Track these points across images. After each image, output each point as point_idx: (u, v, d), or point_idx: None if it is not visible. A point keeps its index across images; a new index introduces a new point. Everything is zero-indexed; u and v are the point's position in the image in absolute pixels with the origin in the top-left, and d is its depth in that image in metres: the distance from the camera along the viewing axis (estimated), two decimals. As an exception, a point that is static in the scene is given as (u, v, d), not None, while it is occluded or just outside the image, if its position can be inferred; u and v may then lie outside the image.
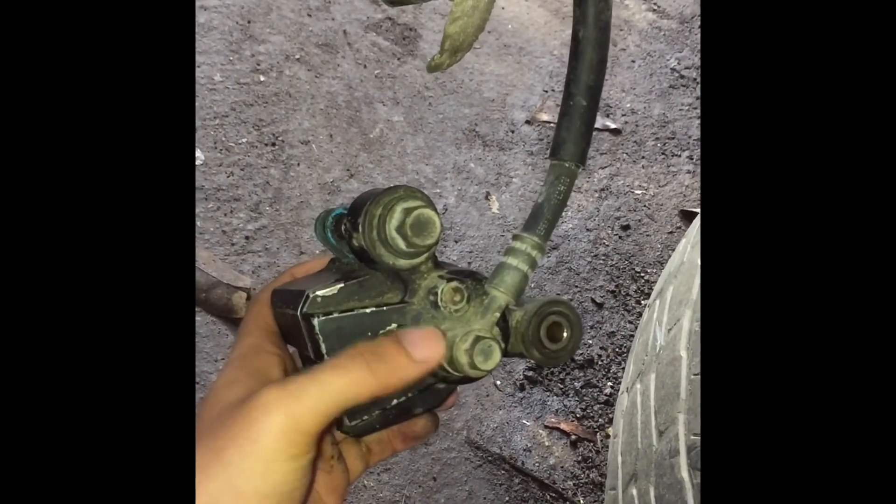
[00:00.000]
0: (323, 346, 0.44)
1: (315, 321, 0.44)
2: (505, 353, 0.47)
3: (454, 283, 0.46)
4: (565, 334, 0.48)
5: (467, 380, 0.46)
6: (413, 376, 0.42)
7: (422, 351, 0.42)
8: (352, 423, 0.45)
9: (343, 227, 0.47)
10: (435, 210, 0.45)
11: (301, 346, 0.46)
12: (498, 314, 0.46)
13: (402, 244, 0.44)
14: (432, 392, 0.47)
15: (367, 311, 0.45)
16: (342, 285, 0.45)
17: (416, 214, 0.44)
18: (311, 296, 0.44)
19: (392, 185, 0.45)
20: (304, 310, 0.44)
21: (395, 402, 0.46)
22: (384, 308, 0.45)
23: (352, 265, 0.48)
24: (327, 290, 0.44)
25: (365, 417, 0.45)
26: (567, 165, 0.47)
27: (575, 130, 0.47)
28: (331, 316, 0.44)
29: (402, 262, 0.45)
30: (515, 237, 0.47)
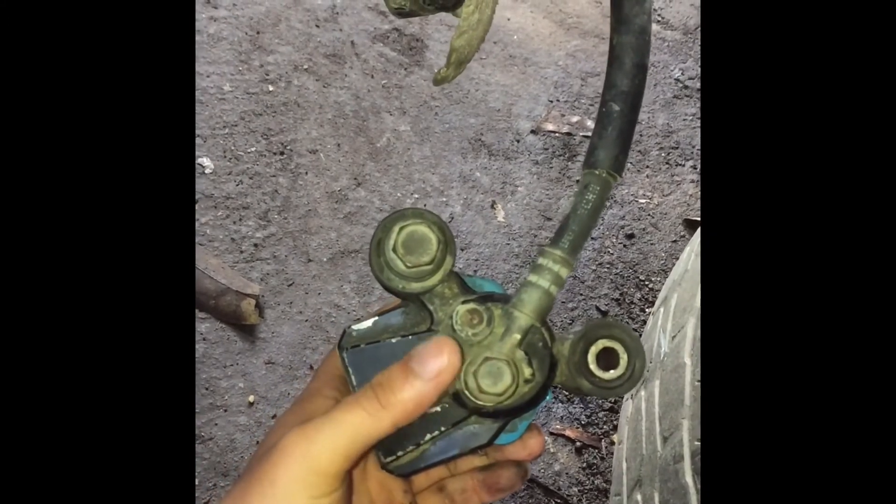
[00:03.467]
0: (353, 379, 0.43)
1: (344, 354, 0.43)
2: (548, 385, 0.43)
3: (470, 306, 0.43)
4: (622, 360, 0.42)
5: (501, 414, 0.43)
6: (427, 395, 0.40)
7: (430, 365, 0.40)
8: (387, 459, 0.43)
9: None
10: (439, 227, 0.43)
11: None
12: (518, 336, 0.42)
13: (400, 264, 0.43)
14: (473, 427, 0.44)
15: (393, 340, 0.43)
16: (377, 318, 0.44)
17: (408, 232, 0.42)
18: (348, 330, 0.44)
19: (403, 208, 0.44)
20: (341, 344, 0.44)
21: (428, 436, 0.43)
22: (409, 336, 0.43)
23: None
24: (363, 324, 0.44)
25: (399, 454, 0.43)
26: (597, 173, 0.44)
27: (606, 137, 0.44)
28: (358, 348, 0.43)
29: (414, 286, 0.43)
30: (540, 252, 0.44)
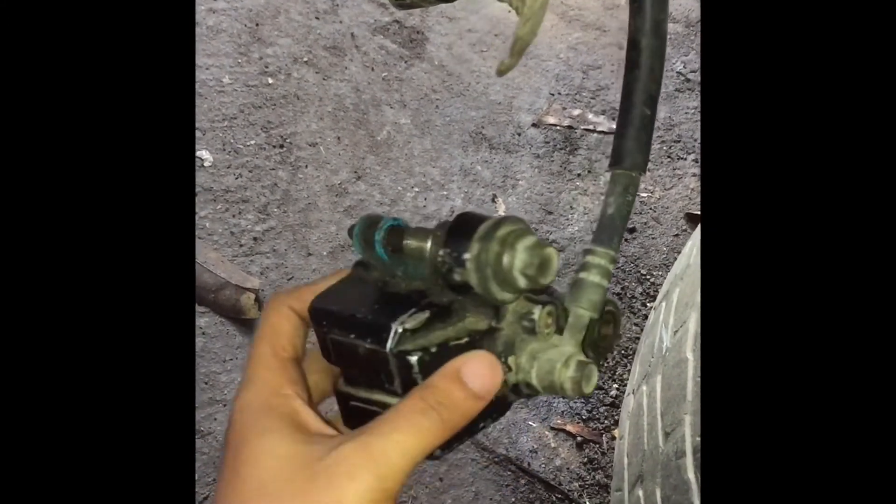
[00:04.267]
0: (419, 379, 0.42)
1: (412, 359, 0.41)
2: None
3: (549, 308, 0.44)
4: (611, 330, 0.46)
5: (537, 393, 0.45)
6: (476, 411, 0.41)
7: (483, 385, 0.41)
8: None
9: (400, 244, 0.44)
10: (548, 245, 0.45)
11: (369, 377, 0.43)
12: (582, 333, 0.45)
13: (522, 283, 0.42)
14: (499, 407, 0.44)
15: (462, 342, 0.42)
16: (427, 315, 0.42)
17: (544, 255, 0.42)
18: (400, 330, 0.41)
19: (494, 217, 0.43)
20: (396, 347, 0.41)
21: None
22: (476, 337, 0.43)
23: (398, 282, 0.45)
24: (413, 321, 0.42)
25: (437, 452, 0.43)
26: (633, 175, 0.47)
27: (641, 140, 0.47)
28: (429, 351, 0.41)
29: (509, 297, 0.43)
30: (588, 251, 0.46)
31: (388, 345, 0.41)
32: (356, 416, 0.43)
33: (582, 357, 0.43)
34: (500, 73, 0.52)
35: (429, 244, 0.43)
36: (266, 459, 0.40)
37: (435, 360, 0.41)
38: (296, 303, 0.45)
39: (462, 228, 0.42)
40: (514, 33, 0.52)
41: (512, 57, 0.52)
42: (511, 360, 0.44)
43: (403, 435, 0.39)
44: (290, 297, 0.46)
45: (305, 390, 0.45)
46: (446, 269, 0.42)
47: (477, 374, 0.41)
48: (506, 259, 0.41)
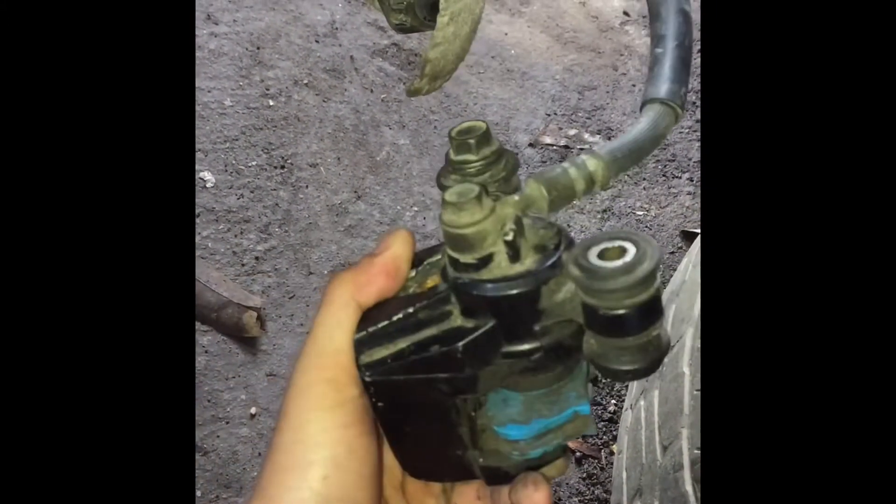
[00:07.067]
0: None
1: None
2: (540, 276, 0.35)
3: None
4: (630, 252, 0.32)
5: (479, 297, 0.36)
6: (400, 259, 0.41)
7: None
8: (359, 335, 0.40)
9: None
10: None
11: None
12: (518, 197, 0.37)
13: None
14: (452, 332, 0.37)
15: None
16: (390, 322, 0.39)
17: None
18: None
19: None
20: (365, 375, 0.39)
21: (395, 317, 0.39)
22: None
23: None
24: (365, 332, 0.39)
25: (370, 329, 0.39)
26: (668, 106, 0.42)
27: (678, 70, 0.43)
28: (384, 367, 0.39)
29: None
30: (586, 152, 0.41)
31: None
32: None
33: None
34: (410, 94, 0.51)
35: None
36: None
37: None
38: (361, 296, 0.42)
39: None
40: (424, 55, 0.52)
41: (421, 79, 0.51)
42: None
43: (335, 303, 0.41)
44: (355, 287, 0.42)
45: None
46: None
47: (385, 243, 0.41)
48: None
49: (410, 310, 0.39)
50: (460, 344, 0.36)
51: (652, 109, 0.42)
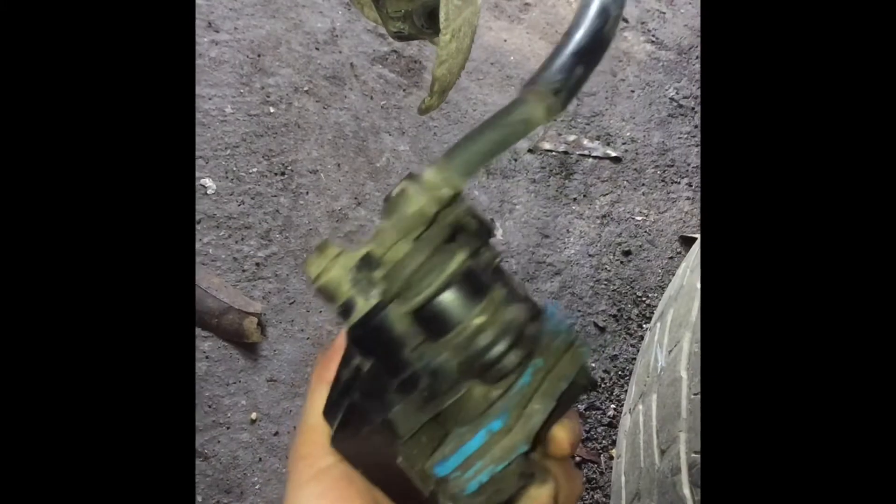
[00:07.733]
0: None
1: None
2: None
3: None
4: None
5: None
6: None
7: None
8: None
9: None
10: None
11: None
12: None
13: None
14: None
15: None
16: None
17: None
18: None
19: None
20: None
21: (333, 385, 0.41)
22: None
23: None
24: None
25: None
26: (535, 91, 0.37)
27: (551, 58, 0.39)
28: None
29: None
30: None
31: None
32: None
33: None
34: (422, 111, 0.53)
35: None
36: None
37: None
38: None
39: None
40: (432, 73, 0.53)
41: (431, 97, 0.53)
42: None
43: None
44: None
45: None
46: None
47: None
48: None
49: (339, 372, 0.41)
50: (357, 392, 0.38)
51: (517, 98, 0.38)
